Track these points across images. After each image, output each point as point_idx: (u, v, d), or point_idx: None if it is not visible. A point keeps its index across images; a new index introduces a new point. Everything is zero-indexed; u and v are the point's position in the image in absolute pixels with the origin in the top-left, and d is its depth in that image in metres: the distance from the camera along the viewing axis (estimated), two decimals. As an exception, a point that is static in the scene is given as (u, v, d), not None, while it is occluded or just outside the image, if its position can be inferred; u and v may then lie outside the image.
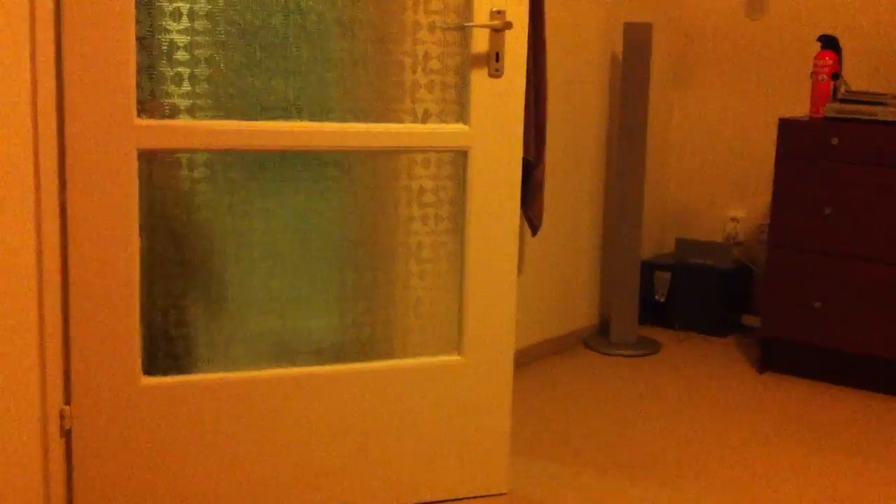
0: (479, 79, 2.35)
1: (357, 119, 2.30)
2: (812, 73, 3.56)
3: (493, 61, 2.35)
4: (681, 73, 4.29)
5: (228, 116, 2.18)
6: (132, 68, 2.06)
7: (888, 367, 3.40)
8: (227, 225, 2.23)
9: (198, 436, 2.24)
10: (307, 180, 2.28)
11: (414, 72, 2.33)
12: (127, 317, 2.15)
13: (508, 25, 2.31)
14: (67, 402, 2.15)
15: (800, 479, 2.71)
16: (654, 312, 4.17)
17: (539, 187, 3.36)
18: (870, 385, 3.45)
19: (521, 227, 3.54)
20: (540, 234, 3.66)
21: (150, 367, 2.21)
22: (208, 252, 2.22)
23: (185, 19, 2.11)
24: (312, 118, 2.26)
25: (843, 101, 3.45)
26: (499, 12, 2.33)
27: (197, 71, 2.14)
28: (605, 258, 4.04)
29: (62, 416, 2.14)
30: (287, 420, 2.32)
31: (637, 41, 3.68)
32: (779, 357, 3.62)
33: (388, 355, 2.42)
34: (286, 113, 2.23)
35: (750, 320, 4.13)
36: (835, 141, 3.34)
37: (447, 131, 2.37)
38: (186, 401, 2.22)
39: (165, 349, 2.22)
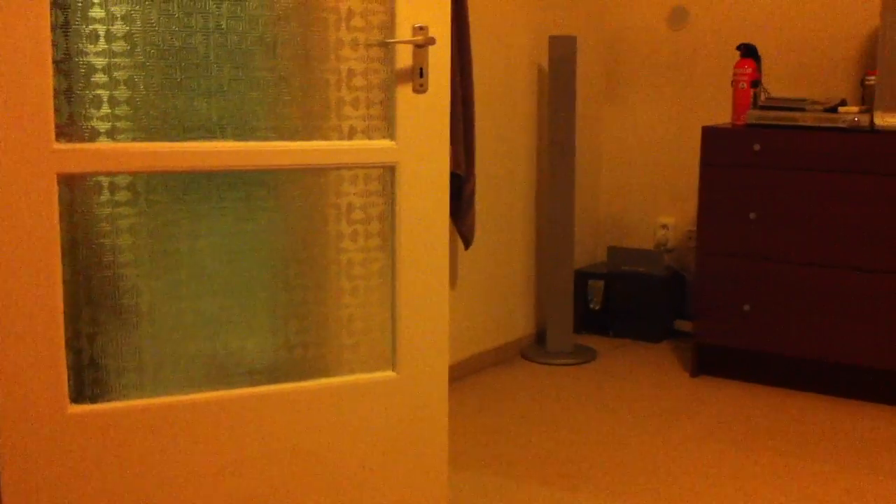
0: (404, 94, 2.36)
1: (282, 138, 2.29)
2: (732, 81, 3.64)
3: (418, 77, 2.36)
4: (608, 84, 4.36)
5: (151, 138, 2.16)
6: (49, 91, 2.03)
7: (817, 368, 3.47)
8: (153, 248, 2.20)
9: (130, 463, 2.20)
10: (234, 200, 2.27)
11: (338, 89, 2.33)
12: (52, 344, 2.10)
13: (431, 41, 2.32)
14: (-8, 434, 2.10)
15: (735, 479, 2.76)
16: (589, 321, 4.21)
17: (470, 201, 3.39)
18: (800, 386, 3.52)
19: (454, 240, 3.55)
20: (473, 247, 3.68)
21: (78, 395, 2.16)
22: (135, 276, 2.19)
23: (102, 41, 2.09)
24: (237, 138, 2.24)
25: (763, 107, 3.53)
26: (421, 28, 2.34)
27: (116, 93, 2.11)
28: (540, 269, 4.08)
29: (-13, 450, 2.09)
30: (221, 443, 2.29)
31: (562, 54, 3.73)
32: (712, 361, 3.68)
33: (323, 374, 2.41)
34: (210, 133, 2.21)
35: (684, 325, 4.19)
36: (756, 147, 3.42)
37: (374, 147, 2.37)
38: (117, 428, 2.18)
39: (93, 376, 2.18)
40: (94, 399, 2.18)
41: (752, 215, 3.45)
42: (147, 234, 2.19)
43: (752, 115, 3.51)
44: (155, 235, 2.20)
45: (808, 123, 3.40)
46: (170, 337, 2.24)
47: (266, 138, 2.28)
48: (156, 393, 2.24)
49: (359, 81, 2.35)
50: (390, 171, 2.39)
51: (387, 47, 2.35)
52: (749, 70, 3.61)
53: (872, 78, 3.41)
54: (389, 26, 2.34)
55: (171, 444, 2.24)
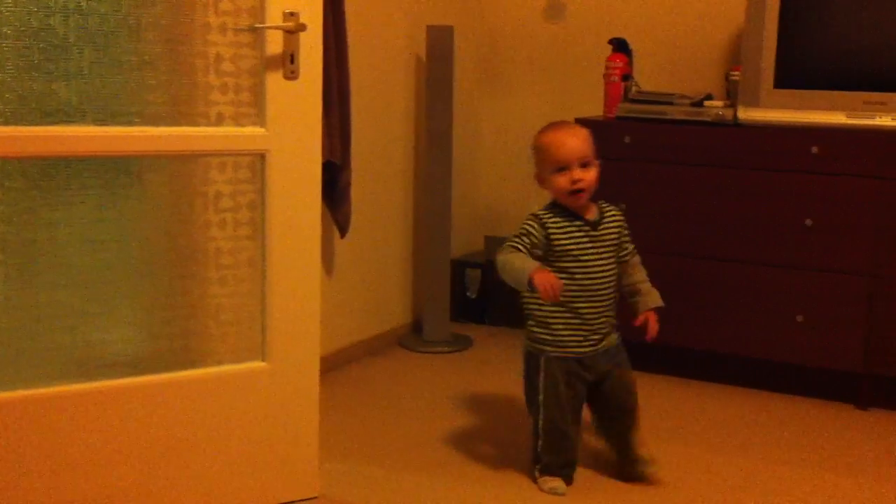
0: (275, 81, 2.33)
1: (147, 123, 2.23)
2: (604, 74, 3.72)
3: (288, 63, 2.34)
4: (486, 75, 4.39)
5: (6, 122, 2.08)
6: None
7: (690, 355, 3.58)
8: (9, 236, 2.12)
9: (-16, 460, 2.12)
10: (96, 188, 2.20)
11: (206, 74, 2.28)
12: None
13: (302, 27, 2.30)
14: None
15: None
16: (466, 309, 4.25)
17: (346, 189, 3.37)
18: (673, 372, 3.61)
19: (330, 229, 3.53)
20: (350, 235, 3.66)
21: (-73, 390, 2.07)
22: (-11, 265, 2.11)
23: (-48, 19, 1.99)
24: (98, 123, 2.18)
25: (633, 101, 3.62)
26: (292, 14, 2.31)
27: (-32, 74, 2.02)
28: (417, 257, 4.09)
29: None
30: (85, 437, 2.22)
31: (439, 44, 3.74)
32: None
33: (191, 365, 2.36)
34: (69, 118, 2.14)
35: (558, 313, 4.26)
36: (627, 139, 3.50)
37: (243, 134, 2.34)
38: (-31, 423, 2.10)
39: (-57, 370, 2.08)
40: (-56, 393, 2.09)
41: (621, 206, 3.53)
42: (2, 222, 2.10)
43: (623, 109, 3.59)
44: (10, 223, 2.11)
45: (676, 117, 3.50)
46: (27, 329, 2.16)
47: (129, 123, 2.21)
48: (12, 386, 2.16)
49: (227, 67, 2.31)
50: (260, 158, 2.36)
51: (256, 33, 2.32)
52: (620, 64, 3.69)
53: (736, 74, 3.53)
54: (259, 11, 2.31)
55: (31, 438, 2.16)
